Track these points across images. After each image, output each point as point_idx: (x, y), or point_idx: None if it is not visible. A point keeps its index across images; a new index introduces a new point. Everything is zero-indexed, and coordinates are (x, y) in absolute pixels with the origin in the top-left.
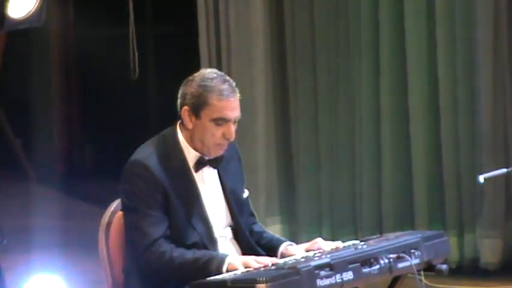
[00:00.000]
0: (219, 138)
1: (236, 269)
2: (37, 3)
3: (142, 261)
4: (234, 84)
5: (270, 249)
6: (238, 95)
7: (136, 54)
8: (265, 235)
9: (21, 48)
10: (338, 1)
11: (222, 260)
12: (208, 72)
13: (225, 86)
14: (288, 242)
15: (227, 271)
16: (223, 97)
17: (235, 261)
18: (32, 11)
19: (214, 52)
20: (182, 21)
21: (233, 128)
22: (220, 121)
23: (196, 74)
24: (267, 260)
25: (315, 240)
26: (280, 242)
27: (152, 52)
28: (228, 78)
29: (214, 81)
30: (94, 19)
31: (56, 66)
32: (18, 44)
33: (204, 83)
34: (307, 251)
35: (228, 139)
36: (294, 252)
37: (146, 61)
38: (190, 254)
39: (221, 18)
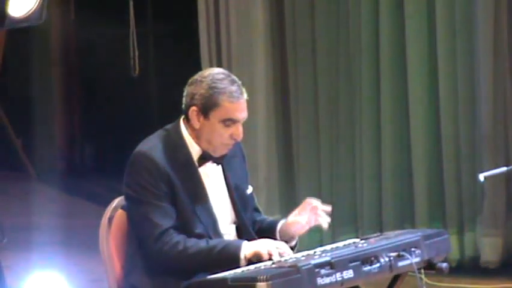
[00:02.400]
0: (226, 139)
1: (257, 254)
2: (38, 2)
3: (154, 252)
4: (240, 84)
5: (269, 231)
6: (245, 95)
7: (137, 52)
8: (267, 220)
9: (22, 47)
10: (339, 0)
11: (238, 246)
12: (216, 73)
13: (235, 88)
14: (284, 220)
15: (244, 256)
16: (234, 99)
17: (253, 245)
18: (32, 9)
19: (215, 51)
20: (183, 20)
21: (241, 128)
22: (229, 122)
23: (204, 75)
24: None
25: (306, 201)
26: (277, 222)
27: (152, 51)
28: (235, 78)
29: (224, 82)
30: (94, 18)
31: (56, 65)
32: (19, 43)
33: (214, 85)
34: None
35: (235, 139)
36: (291, 221)
37: (146, 60)
38: (204, 243)
39: (221, 17)
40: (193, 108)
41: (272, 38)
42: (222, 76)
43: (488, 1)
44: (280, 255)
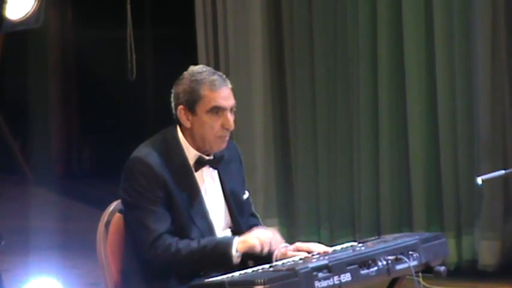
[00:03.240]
0: (218, 130)
1: (249, 246)
2: (35, 5)
3: (148, 257)
4: (224, 76)
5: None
6: (229, 85)
7: (134, 55)
8: None
9: (20, 50)
10: (336, 1)
11: (229, 242)
12: (197, 68)
13: (215, 77)
14: (283, 244)
15: (236, 252)
16: (215, 87)
17: (244, 239)
18: (30, 13)
19: (212, 53)
20: (181, 22)
21: (230, 117)
22: (216, 110)
23: (184, 73)
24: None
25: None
26: None
27: (150, 53)
28: (216, 71)
29: (204, 74)
30: (92, 21)
31: (54, 68)
32: (17, 46)
33: (194, 78)
34: (300, 250)
35: (227, 129)
36: (289, 254)
37: (144, 62)
38: (195, 243)
39: (219, 19)
40: (180, 107)
41: (270, 42)
42: (201, 70)
43: (485, 5)
44: (273, 246)
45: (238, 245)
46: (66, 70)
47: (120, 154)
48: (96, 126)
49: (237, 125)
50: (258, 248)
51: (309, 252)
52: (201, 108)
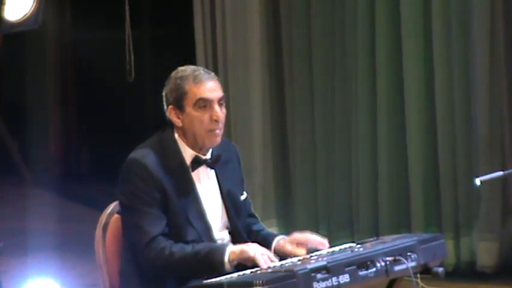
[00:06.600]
0: (208, 124)
1: (238, 258)
2: (34, 6)
3: (142, 259)
4: (210, 71)
5: (264, 245)
6: (215, 78)
7: (133, 56)
8: (262, 233)
9: (18, 51)
10: (334, 1)
11: (222, 250)
12: (182, 67)
13: (199, 72)
14: (281, 236)
15: (229, 260)
16: (198, 80)
17: (236, 249)
18: (28, 14)
19: (211, 54)
20: (179, 23)
21: (219, 109)
22: (203, 103)
23: (171, 74)
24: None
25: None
26: (273, 237)
27: (149, 54)
28: (200, 67)
29: (188, 70)
30: (90, 21)
31: (52, 69)
32: (15, 47)
33: (178, 76)
34: (297, 242)
35: (216, 121)
36: (287, 248)
37: (143, 63)
38: (189, 248)
39: (217, 20)
40: (170, 107)
41: (268, 43)
42: (185, 68)
43: (484, 6)
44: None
45: (231, 255)
46: (64, 71)
47: (118, 155)
48: (94, 127)
49: (235, 125)
50: (249, 264)
51: (307, 251)
52: (188, 103)
